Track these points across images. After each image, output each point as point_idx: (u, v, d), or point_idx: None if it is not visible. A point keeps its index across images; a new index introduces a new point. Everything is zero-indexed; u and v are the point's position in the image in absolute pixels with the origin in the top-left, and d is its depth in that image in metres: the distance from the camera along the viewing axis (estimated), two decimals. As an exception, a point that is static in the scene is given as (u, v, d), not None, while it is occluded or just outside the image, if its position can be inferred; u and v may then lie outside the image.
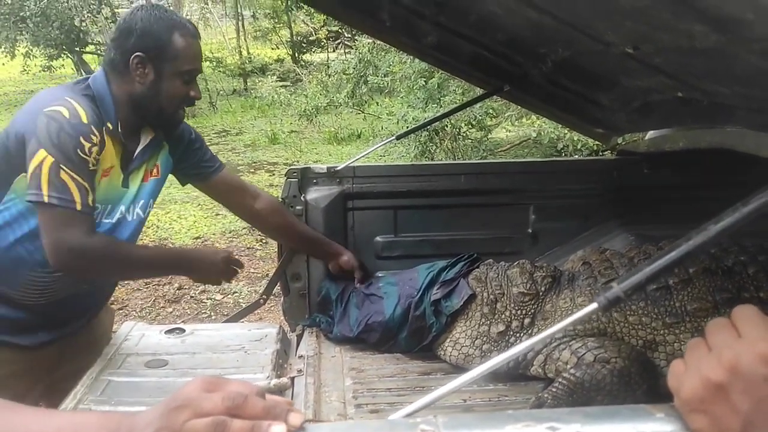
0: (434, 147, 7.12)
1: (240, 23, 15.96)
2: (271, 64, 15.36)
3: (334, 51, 15.61)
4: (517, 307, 1.96)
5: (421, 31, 2.13)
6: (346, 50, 14.16)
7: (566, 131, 5.95)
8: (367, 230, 2.46)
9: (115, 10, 13.30)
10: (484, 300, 1.99)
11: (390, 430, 0.71)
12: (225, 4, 17.68)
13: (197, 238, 6.00)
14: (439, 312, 2.02)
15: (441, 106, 6.80)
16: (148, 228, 6.06)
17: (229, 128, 11.28)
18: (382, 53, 8.17)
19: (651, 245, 2.05)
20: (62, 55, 12.95)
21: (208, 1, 17.21)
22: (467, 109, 6.45)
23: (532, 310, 1.95)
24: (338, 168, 2.38)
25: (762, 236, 1.92)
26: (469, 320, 2.00)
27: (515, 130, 7.92)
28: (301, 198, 2.35)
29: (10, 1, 12.20)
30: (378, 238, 2.48)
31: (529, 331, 1.92)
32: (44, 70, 12.89)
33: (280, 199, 2.36)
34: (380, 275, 2.26)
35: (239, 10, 15.86)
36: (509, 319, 1.96)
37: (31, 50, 12.66)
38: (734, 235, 1.95)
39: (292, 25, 16.06)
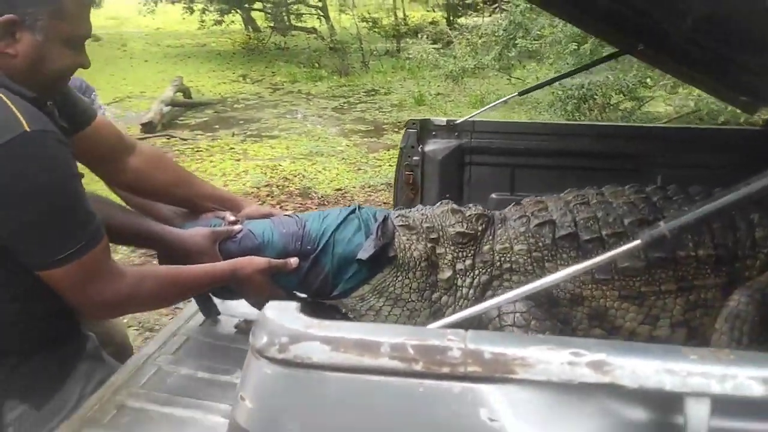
0: (582, 117, 6.83)
1: (398, -16, 16.09)
2: (426, 26, 15.37)
3: (490, 15, 15.28)
4: (457, 249, 1.77)
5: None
6: (502, 14, 13.83)
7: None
8: (483, 186, 2.45)
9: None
10: (426, 248, 1.77)
11: (420, 335, 0.76)
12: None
13: (338, 189, 6.28)
14: (350, 263, 1.74)
15: (592, 74, 6.49)
16: (295, 177, 6.45)
17: (378, 88, 11.52)
18: (534, 16, 7.91)
19: (590, 188, 1.90)
20: (232, 11, 13.83)
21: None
22: (619, 77, 6.11)
23: (472, 252, 1.77)
24: (458, 122, 2.39)
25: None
26: (410, 272, 1.76)
27: (672, 103, 7.38)
28: (419, 149, 2.38)
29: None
30: (493, 195, 2.46)
31: (472, 274, 1.75)
32: (216, 25, 13.85)
33: (399, 149, 2.41)
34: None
35: (398, -29, 15.97)
36: (453, 263, 1.77)
37: (207, 6, 13.64)
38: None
39: (450, -14, 15.92)
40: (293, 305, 0.82)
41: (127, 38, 15.34)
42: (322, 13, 14.57)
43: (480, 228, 1.79)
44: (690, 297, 1.68)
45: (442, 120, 2.41)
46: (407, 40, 14.47)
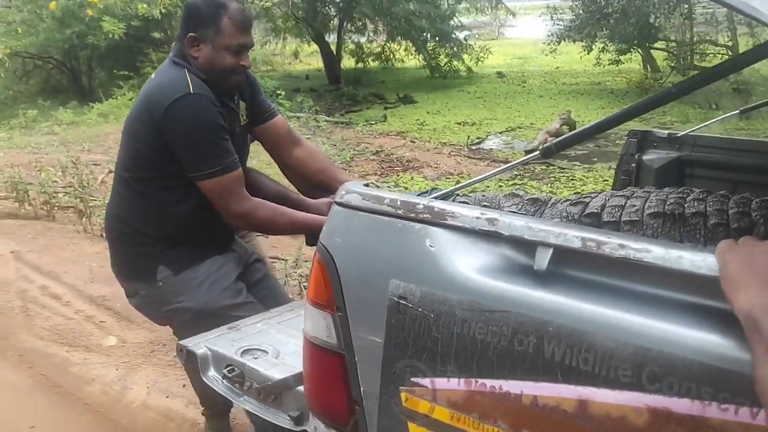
0: None
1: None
2: None
3: None
4: None
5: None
6: None
7: None
8: None
9: (691, 6, 13.47)
10: None
11: (405, 197, 1.23)
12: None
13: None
14: None
15: None
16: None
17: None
18: None
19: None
20: (631, 50, 13.92)
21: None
22: None
23: None
24: (679, 135, 2.42)
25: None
26: None
27: None
28: (636, 157, 2.47)
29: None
30: None
31: None
32: (613, 64, 14.13)
33: (619, 156, 2.52)
34: None
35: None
36: None
37: (607, 45, 14.02)
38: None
39: None
40: (362, 183, 1.37)
41: (528, 75, 16.72)
42: (731, 53, 13.59)
43: (531, 210, 1.93)
44: None
45: (663, 132, 2.46)
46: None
